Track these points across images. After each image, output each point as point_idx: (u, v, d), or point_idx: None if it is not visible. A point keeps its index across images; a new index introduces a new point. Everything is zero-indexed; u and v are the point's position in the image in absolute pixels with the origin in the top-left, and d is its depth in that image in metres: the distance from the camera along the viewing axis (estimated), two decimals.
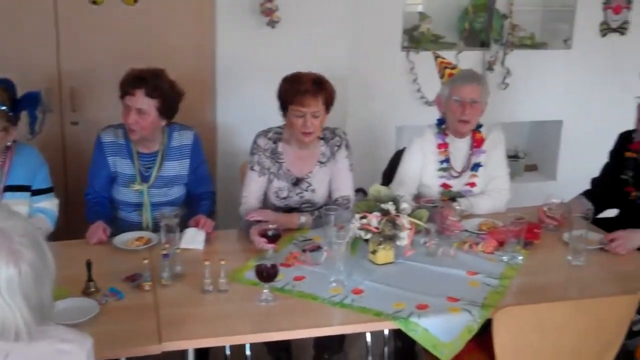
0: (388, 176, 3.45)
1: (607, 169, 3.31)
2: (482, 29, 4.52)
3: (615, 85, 4.69)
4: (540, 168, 5.06)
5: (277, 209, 3.10)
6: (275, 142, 3.09)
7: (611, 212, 3.33)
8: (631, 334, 3.42)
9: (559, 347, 2.27)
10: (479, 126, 3.30)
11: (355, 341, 3.32)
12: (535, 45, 4.63)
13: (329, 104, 2.99)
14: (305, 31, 3.92)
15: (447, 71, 3.21)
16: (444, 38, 4.55)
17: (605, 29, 4.65)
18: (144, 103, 2.91)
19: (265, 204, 3.13)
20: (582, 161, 4.54)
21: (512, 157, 4.92)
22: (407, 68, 4.37)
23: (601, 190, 3.27)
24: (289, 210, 3.10)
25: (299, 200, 3.12)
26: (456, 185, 3.28)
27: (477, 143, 3.30)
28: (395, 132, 4.49)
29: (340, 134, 3.15)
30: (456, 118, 3.19)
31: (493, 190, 3.27)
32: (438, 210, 2.92)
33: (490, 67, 4.47)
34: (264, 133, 3.11)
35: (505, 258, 2.69)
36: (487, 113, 4.40)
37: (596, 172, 3.36)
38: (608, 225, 3.15)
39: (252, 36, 3.81)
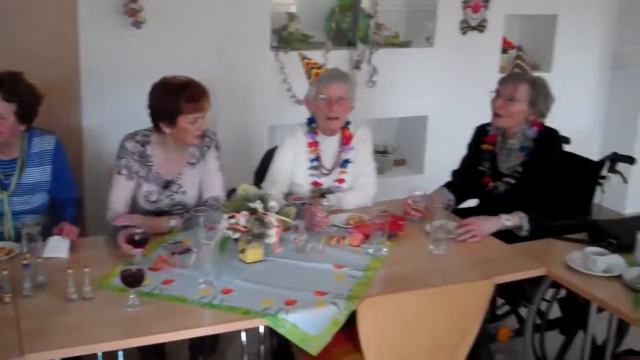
0: (260, 176, 3.48)
1: (466, 161, 3.48)
2: (348, 29, 4.63)
3: (474, 80, 4.92)
4: (408, 162, 5.24)
5: (147, 213, 3.06)
6: (143, 145, 3.05)
7: (472, 202, 3.51)
8: (495, 318, 3.64)
9: (420, 334, 2.37)
10: (347, 123, 3.39)
11: (231, 341, 3.34)
12: (400, 44, 4.79)
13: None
14: (173, 32, 3.89)
15: (314, 71, 3.28)
16: (313, 38, 4.63)
17: (465, 27, 4.88)
18: (1, 108, 2.81)
19: (135, 208, 3.08)
20: (446, 154, 4.66)
21: (382, 152, 5.07)
22: (277, 68, 4.40)
23: (461, 182, 3.44)
24: (160, 213, 3.07)
25: (170, 203, 3.10)
26: (326, 182, 3.35)
27: (345, 140, 3.39)
28: (268, 131, 4.53)
29: (210, 134, 3.15)
30: (324, 115, 3.25)
31: (360, 185, 3.37)
32: (306, 207, 2.98)
33: (357, 65, 4.59)
34: (132, 136, 3.06)
35: (370, 250, 2.78)
36: (356, 110, 4.52)
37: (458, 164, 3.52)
38: (469, 215, 3.31)
39: (117, 37, 3.74)
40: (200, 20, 3.98)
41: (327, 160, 3.37)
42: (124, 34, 3.74)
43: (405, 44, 4.81)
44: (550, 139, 3.23)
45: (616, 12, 5.40)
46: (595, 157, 5.46)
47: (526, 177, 3.21)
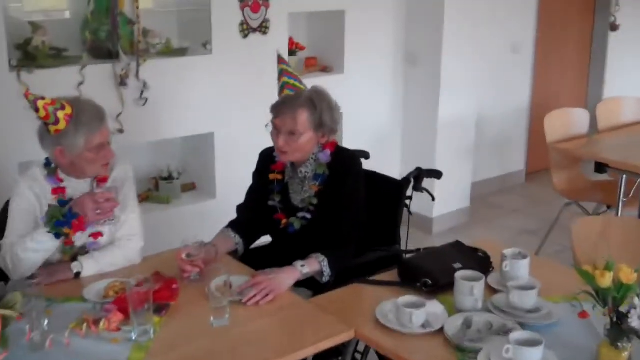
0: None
1: (252, 194, 2.92)
2: (108, 39, 3.90)
3: (261, 89, 4.38)
4: (199, 187, 4.61)
5: None
6: None
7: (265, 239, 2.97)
8: None
9: None
10: None
11: None
12: (173, 52, 4.14)
13: None
14: None
15: (60, 114, 2.50)
16: (67, 51, 3.86)
17: (247, 29, 4.32)
18: None
19: None
20: (238, 175, 4.14)
21: (166, 179, 4.42)
22: (20, 91, 3.58)
23: (248, 219, 2.87)
24: None
25: None
26: (80, 238, 2.65)
27: (99, 182, 2.70)
28: (19, 169, 3.70)
29: None
30: (99, 166, 2.64)
31: (122, 239, 2.70)
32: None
33: (123, 81, 3.88)
34: None
35: (133, 335, 2.13)
36: (128, 134, 3.86)
37: None
38: (262, 256, 2.78)
39: None
40: None
41: None
42: None
43: (179, 52, 4.16)
44: (346, 162, 2.76)
45: (404, 5, 5.09)
46: (398, 165, 5.40)
47: (323, 210, 2.72)
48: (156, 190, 4.46)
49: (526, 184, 6.43)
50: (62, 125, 2.50)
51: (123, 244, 2.69)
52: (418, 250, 2.79)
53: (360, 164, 2.81)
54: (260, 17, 4.35)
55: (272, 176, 2.83)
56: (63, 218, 2.50)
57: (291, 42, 4.67)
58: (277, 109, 2.72)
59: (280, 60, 2.89)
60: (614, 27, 6.62)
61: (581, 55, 6.81)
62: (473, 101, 5.25)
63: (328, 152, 2.75)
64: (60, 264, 2.59)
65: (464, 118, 5.20)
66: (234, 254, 2.81)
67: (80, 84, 3.75)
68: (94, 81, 3.80)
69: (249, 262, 2.74)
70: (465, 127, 5.25)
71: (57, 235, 2.51)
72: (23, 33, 3.71)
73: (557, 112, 4.63)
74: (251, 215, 2.87)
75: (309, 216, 2.74)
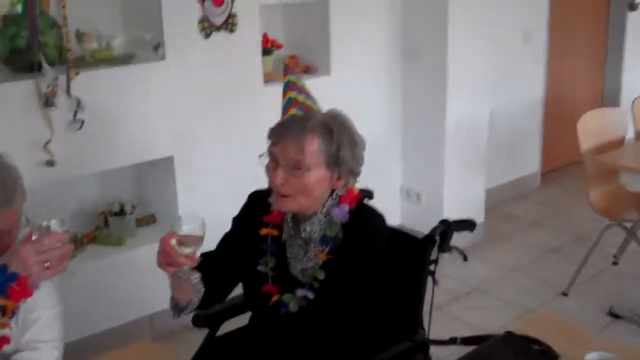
0: None
1: (228, 247, 2.06)
2: (27, 47, 3.02)
3: (231, 97, 3.58)
4: (160, 219, 3.76)
5: None
6: None
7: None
8: None
9: None
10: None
11: None
12: (116, 60, 3.26)
13: None
14: None
15: None
16: None
17: (208, 27, 3.45)
18: None
19: None
20: (206, 207, 3.39)
21: (118, 213, 3.56)
22: None
23: (216, 277, 2.03)
24: None
25: None
26: None
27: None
28: None
29: None
30: None
31: (29, 347, 1.86)
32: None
33: (49, 101, 3.01)
34: None
35: None
36: (61, 166, 3.02)
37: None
38: (235, 343, 2.03)
39: None
40: None
41: None
42: None
43: (123, 60, 3.29)
44: (368, 226, 1.96)
45: None
46: (398, 182, 4.54)
47: (330, 289, 1.90)
48: (106, 227, 3.61)
49: (542, 186, 5.64)
50: None
51: (29, 355, 1.86)
52: (453, 340, 1.98)
53: (386, 228, 1.99)
54: (225, 12, 3.48)
55: (264, 231, 2.01)
56: None
57: (265, 39, 3.82)
58: (278, 133, 1.92)
59: (287, 69, 2.12)
60: (633, 7, 5.83)
61: (597, 39, 5.99)
62: (485, 100, 4.41)
63: (346, 208, 1.95)
64: None
65: (476, 120, 4.37)
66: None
67: None
68: (11, 103, 2.95)
69: (216, 353, 2.01)
70: (477, 131, 4.42)
71: None
72: None
73: (592, 114, 3.81)
74: (222, 274, 2.03)
75: (311, 296, 1.92)
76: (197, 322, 2.24)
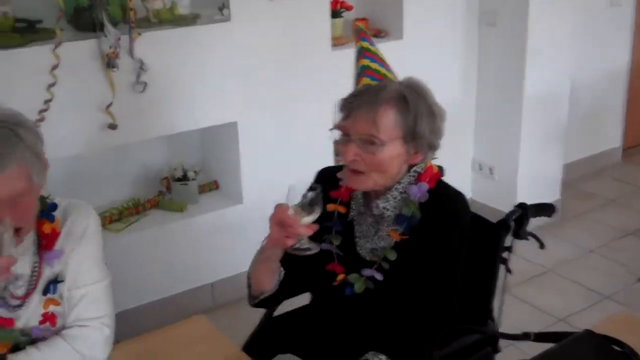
0: None
1: None
2: (90, 6, 2.93)
3: (297, 63, 3.43)
4: (222, 186, 3.67)
5: None
6: None
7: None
8: None
9: None
10: (48, 209, 1.79)
11: None
12: (179, 21, 3.15)
13: None
14: None
15: None
16: (41, 23, 2.91)
17: None
18: None
19: None
20: (270, 175, 3.38)
21: (181, 179, 3.49)
22: None
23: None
24: None
25: None
26: (25, 320, 1.75)
27: (46, 241, 1.78)
28: None
29: None
30: None
31: (75, 325, 1.78)
32: None
33: (112, 62, 2.92)
34: None
35: None
36: (122, 131, 2.94)
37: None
38: (292, 325, 2.00)
39: None
40: None
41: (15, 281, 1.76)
42: None
43: (187, 21, 3.17)
44: (448, 207, 1.79)
45: None
46: (470, 156, 4.33)
47: (403, 271, 1.76)
48: (168, 192, 3.55)
49: (622, 162, 5.32)
50: None
51: (75, 333, 1.77)
52: (526, 335, 1.81)
53: (469, 211, 1.82)
54: None
55: (331, 207, 1.86)
56: None
57: (335, 0, 3.64)
58: (349, 106, 1.76)
59: (360, 34, 1.91)
60: None
61: None
62: (567, 69, 4.14)
63: (425, 186, 1.78)
64: None
65: (556, 91, 4.11)
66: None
67: (54, 67, 2.82)
68: (75, 62, 2.87)
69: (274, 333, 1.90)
70: (557, 102, 4.16)
71: None
72: None
73: None
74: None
75: (379, 277, 1.78)
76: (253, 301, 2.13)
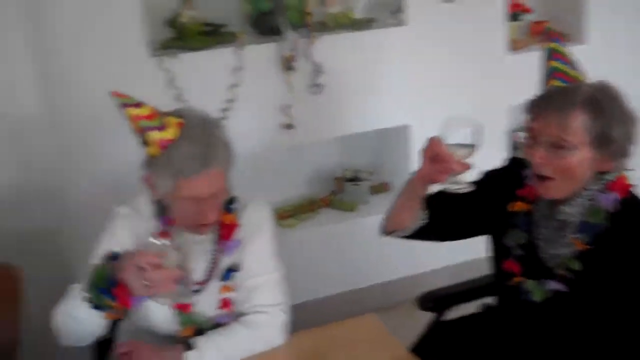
0: None
1: (473, 194, 1.84)
2: (271, 11, 3.06)
3: (473, 67, 3.37)
4: (393, 188, 3.70)
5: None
6: None
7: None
8: None
9: None
10: (229, 202, 1.91)
11: None
12: (355, 25, 3.20)
13: None
14: None
15: (154, 135, 1.70)
16: (226, 27, 3.09)
17: None
18: None
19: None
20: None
21: (352, 180, 3.55)
22: (163, 81, 2.88)
23: (447, 216, 1.92)
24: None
25: None
26: (203, 305, 1.88)
27: (226, 231, 1.89)
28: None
29: None
30: (190, 222, 1.81)
31: (253, 312, 1.87)
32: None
33: (289, 65, 3.04)
34: None
35: None
36: (298, 131, 3.05)
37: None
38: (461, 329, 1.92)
39: None
40: None
41: (195, 264, 1.89)
42: None
43: (362, 25, 3.22)
44: None
45: None
46: None
47: (588, 283, 1.70)
48: (340, 192, 3.63)
49: None
50: (153, 149, 1.71)
51: (254, 319, 1.86)
52: None
53: None
54: None
55: (516, 206, 1.83)
56: (105, 283, 1.63)
57: (513, 3, 3.55)
58: (538, 107, 1.71)
59: (551, 34, 1.86)
60: None
61: None
62: None
63: (615, 196, 1.71)
64: (169, 349, 1.79)
65: None
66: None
67: (237, 69, 2.97)
68: (256, 65, 3.01)
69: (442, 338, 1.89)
70: None
71: (97, 307, 1.67)
72: (169, 6, 2.98)
73: None
74: (453, 212, 1.89)
75: (562, 288, 1.72)
76: (424, 305, 2.13)
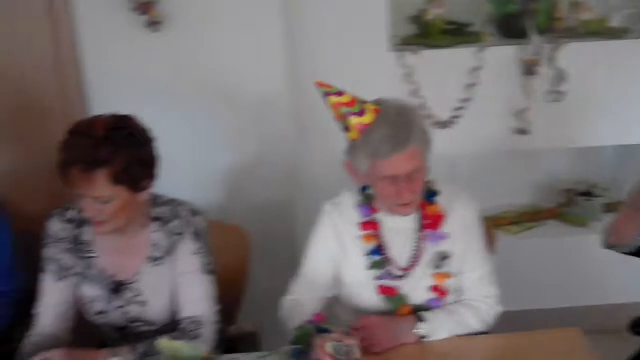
0: None
1: None
2: (519, 13, 3.01)
3: None
4: None
5: (99, 329, 1.99)
6: (79, 227, 1.93)
7: None
8: None
9: None
10: (432, 194, 1.96)
11: None
12: (608, 34, 3.05)
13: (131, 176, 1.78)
14: (206, 31, 2.67)
15: (353, 120, 1.84)
16: (470, 27, 3.11)
17: None
18: None
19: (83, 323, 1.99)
20: None
21: (585, 195, 3.41)
22: (399, 76, 2.97)
23: None
24: (119, 330, 1.96)
25: (124, 318, 1.95)
26: (409, 291, 1.97)
27: (432, 221, 1.95)
28: None
29: (184, 212, 1.92)
30: (391, 202, 1.90)
31: (473, 300, 1.98)
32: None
33: (530, 70, 2.98)
34: (60, 213, 1.95)
35: None
36: (534, 137, 2.98)
37: None
38: None
39: (130, 41, 2.59)
40: (253, 17, 2.70)
41: (398, 251, 1.97)
42: (138, 37, 2.57)
43: (617, 34, 3.05)
44: None
45: None
46: None
47: None
48: (570, 205, 3.49)
49: None
50: (353, 134, 1.85)
51: (478, 305, 1.97)
52: None
53: None
54: None
55: None
56: (303, 346, 1.71)
57: None
58: None
59: None
60: None
61: None
62: None
63: None
64: (398, 320, 1.90)
65: None
66: None
67: (477, 69, 2.98)
68: (494, 67, 3.00)
69: None
70: None
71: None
72: (415, 3, 3.05)
73: None
74: None
75: None
76: (635, 329, 2.03)
